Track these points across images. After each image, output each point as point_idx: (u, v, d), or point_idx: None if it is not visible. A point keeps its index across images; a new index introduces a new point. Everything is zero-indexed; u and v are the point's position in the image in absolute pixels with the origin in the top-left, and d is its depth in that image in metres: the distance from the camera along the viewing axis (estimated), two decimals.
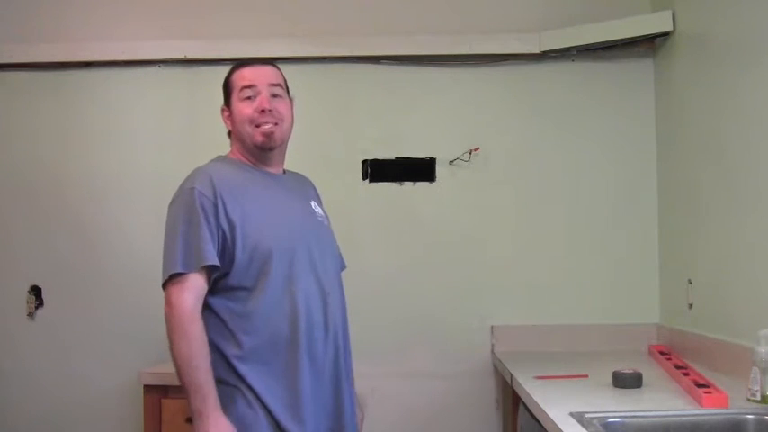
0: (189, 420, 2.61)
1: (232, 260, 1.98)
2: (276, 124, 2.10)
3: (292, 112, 2.18)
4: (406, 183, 3.17)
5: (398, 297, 3.13)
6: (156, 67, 3.20)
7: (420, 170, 3.16)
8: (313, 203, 2.23)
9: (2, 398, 3.17)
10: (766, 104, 2.20)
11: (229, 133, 2.19)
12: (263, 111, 2.08)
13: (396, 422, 3.08)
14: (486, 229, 3.15)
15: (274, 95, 2.11)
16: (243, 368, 1.96)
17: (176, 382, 2.53)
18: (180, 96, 3.21)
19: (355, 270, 3.05)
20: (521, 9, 3.16)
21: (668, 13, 2.89)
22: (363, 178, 3.17)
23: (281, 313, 1.99)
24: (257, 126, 2.08)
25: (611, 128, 3.14)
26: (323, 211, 2.26)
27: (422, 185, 3.17)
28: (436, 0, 3.19)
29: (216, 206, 1.97)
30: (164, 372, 2.70)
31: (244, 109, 2.10)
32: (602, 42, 3.04)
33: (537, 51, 3.09)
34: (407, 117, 3.18)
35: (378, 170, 3.17)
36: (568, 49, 3.08)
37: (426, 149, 3.17)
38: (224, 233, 1.97)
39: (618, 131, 3.13)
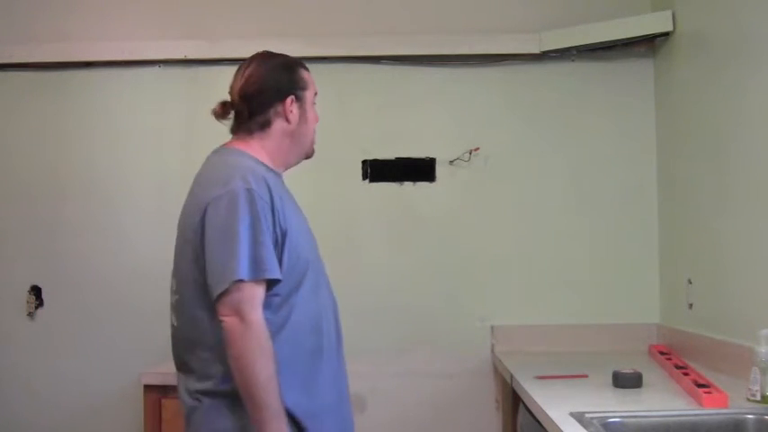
0: None
1: (282, 267, 1.84)
2: None
3: None
4: (406, 183, 3.17)
5: (399, 297, 3.12)
6: (157, 67, 3.20)
7: (420, 170, 3.16)
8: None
9: (1, 397, 3.17)
10: (766, 104, 2.20)
11: (262, 124, 1.96)
12: None
13: (395, 422, 3.07)
14: (485, 228, 3.14)
15: None
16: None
17: (176, 383, 2.53)
18: (180, 96, 3.20)
19: (355, 270, 3.06)
20: (521, 9, 3.16)
21: (668, 14, 2.89)
22: (363, 178, 3.17)
23: (308, 325, 1.89)
24: (313, 142, 2.04)
25: (611, 128, 3.14)
26: None
27: (422, 185, 3.17)
28: (436, 0, 3.19)
29: (273, 212, 1.82)
30: (164, 372, 2.70)
31: (313, 120, 2.04)
32: (603, 42, 3.04)
33: (537, 51, 3.09)
34: (407, 117, 3.18)
35: (378, 170, 3.17)
36: (568, 50, 3.08)
37: (426, 149, 3.16)
38: (277, 240, 1.83)
39: (618, 131, 3.13)
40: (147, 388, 2.70)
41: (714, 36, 2.57)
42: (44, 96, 3.22)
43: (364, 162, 3.17)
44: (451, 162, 3.15)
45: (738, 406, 1.91)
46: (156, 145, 3.20)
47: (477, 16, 3.17)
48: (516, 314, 3.12)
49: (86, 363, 3.15)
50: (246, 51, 3.12)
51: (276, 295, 1.83)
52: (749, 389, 1.96)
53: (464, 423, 3.10)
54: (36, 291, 3.19)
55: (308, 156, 2.06)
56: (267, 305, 1.81)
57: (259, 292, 1.77)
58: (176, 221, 2.01)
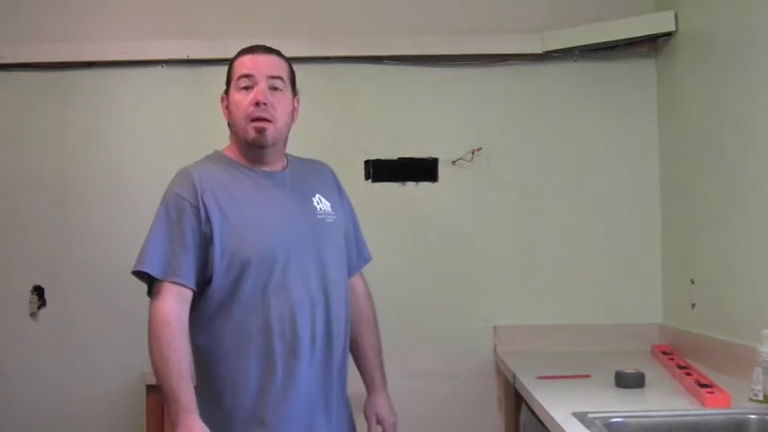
0: None
1: (213, 266, 1.89)
2: (270, 121, 1.95)
3: (294, 108, 2.06)
4: (408, 183, 3.17)
5: (401, 297, 3.12)
6: (159, 67, 3.20)
7: (422, 170, 3.16)
8: (317, 198, 2.05)
9: (5, 397, 3.17)
10: None
11: (229, 125, 2.05)
12: (257, 103, 1.93)
13: (398, 422, 3.07)
14: (488, 228, 3.14)
15: (274, 88, 1.97)
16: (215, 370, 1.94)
17: None
18: (182, 96, 3.21)
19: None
20: (523, 9, 3.16)
21: (671, 14, 2.89)
22: (366, 178, 3.17)
23: (251, 325, 1.90)
24: (251, 120, 1.94)
25: (613, 128, 3.14)
26: (332, 204, 2.08)
27: (424, 185, 3.17)
28: (439, 0, 3.19)
29: (198, 210, 1.89)
30: None
31: (241, 100, 1.96)
32: (605, 42, 3.04)
33: (540, 51, 3.09)
34: (410, 117, 3.18)
35: (380, 170, 3.17)
36: (571, 50, 3.08)
37: (429, 149, 3.16)
38: (206, 239, 1.89)
39: (620, 131, 3.13)
40: (150, 388, 2.70)
41: (717, 36, 2.56)
42: (47, 96, 3.23)
43: (367, 162, 3.17)
44: (454, 162, 3.15)
45: (741, 406, 1.91)
46: (158, 145, 3.20)
47: (479, 16, 3.17)
48: (519, 314, 3.12)
49: (89, 363, 3.15)
50: None
51: (213, 293, 1.91)
52: (752, 389, 1.96)
53: (466, 423, 3.10)
54: (39, 291, 3.19)
55: (249, 141, 1.97)
56: (203, 303, 1.92)
57: (167, 288, 1.88)
58: None
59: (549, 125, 3.15)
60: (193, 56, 3.15)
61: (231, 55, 3.07)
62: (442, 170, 3.16)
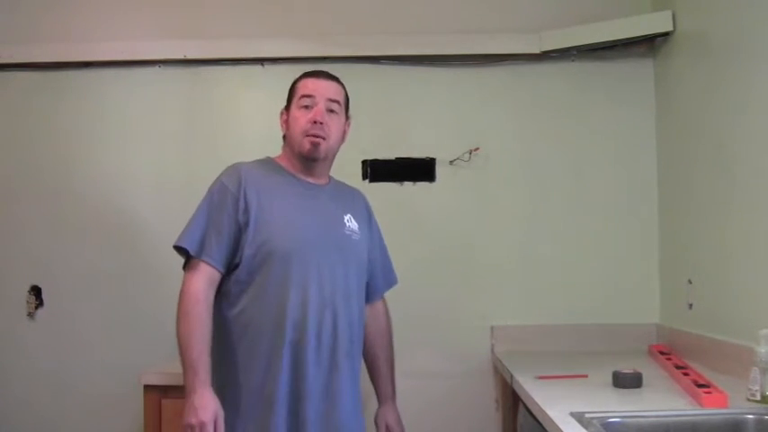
0: None
1: (242, 253, 2.09)
2: (324, 138, 2.18)
3: (345, 130, 2.28)
4: (406, 183, 3.17)
5: (398, 297, 3.10)
6: (156, 67, 3.20)
7: (420, 170, 3.16)
8: (348, 216, 2.26)
9: (2, 397, 3.17)
10: (767, 104, 2.20)
11: (284, 137, 2.26)
12: (315, 122, 2.16)
13: None
14: (486, 228, 3.14)
15: (330, 110, 2.20)
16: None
17: (176, 382, 2.52)
18: (180, 96, 3.21)
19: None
20: (521, 9, 3.16)
21: (668, 14, 2.89)
22: (363, 178, 3.17)
23: (267, 312, 2.08)
24: (307, 135, 2.17)
25: (611, 128, 3.14)
26: (360, 226, 2.29)
27: (422, 185, 3.17)
28: (436, 0, 3.19)
29: (237, 200, 2.10)
30: (164, 372, 2.70)
31: (300, 117, 2.19)
32: (602, 42, 3.04)
33: (537, 51, 3.09)
34: (407, 117, 3.18)
35: (378, 170, 3.17)
36: (568, 50, 3.08)
37: (426, 149, 3.17)
38: (239, 227, 2.09)
39: (618, 131, 3.13)
40: (147, 388, 2.70)
41: (714, 36, 2.57)
42: (44, 97, 3.22)
43: (364, 162, 3.17)
44: (452, 162, 3.15)
45: (738, 406, 1.91)
46: (155, 145, 3.20)
47: (477, 16, 3.17)
48: (516, 314, 3.12)
49: (86, 363, 3.15)
50: (247, 51, 3.16)
51: (238, 277, 2.10)
52: (749, 389, 1.96)
53: (464, 423, 3.10)
54: (36, 291, 3.19)
55: (303, 153, 2.20)
56: (226, 289, 2.12)
57: (201, 266, 2.07)
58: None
59: (547, 125, 3.15)
60: (191, 56, 3.15)
61: (229, 55, 3.14)
62: (440, 170, 3.16)
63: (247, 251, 2.09)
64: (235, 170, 2.17)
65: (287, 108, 2.26)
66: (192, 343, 2.00)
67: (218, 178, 2.17)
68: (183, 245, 2.09)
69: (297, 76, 2.30)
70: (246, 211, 2.10)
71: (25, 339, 3.18)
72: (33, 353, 3.18)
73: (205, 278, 2.07)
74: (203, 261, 2.07)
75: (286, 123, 2.25)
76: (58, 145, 3.21)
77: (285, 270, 2.09)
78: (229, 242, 2.09)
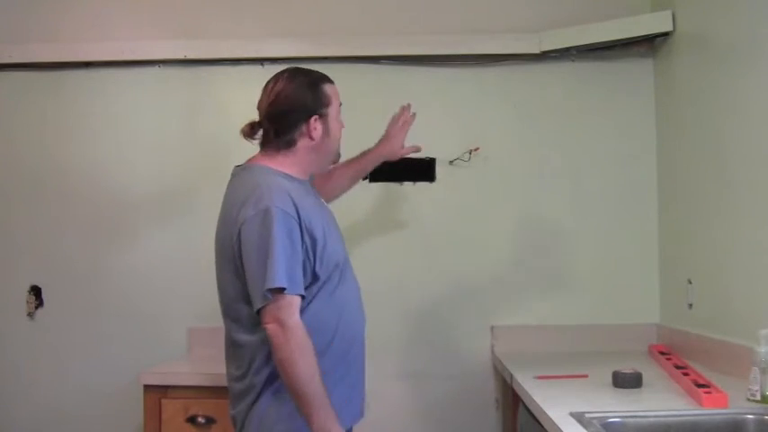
0: (189, 420, 2.62)
1: (314, 275, 2.04)
2: None
3: None
4: (406, 183, 3.17)
5: (398, 297, 3.12)
6: (156, 67, 3.20)
7: (420, 170, 3.16)
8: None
9: (2, 397, 3.17)
10: (766, 104, 2.20)
11: (288, 143, 2.11)
12: None
13: (395, 422, 3.07)
14: (485, 229, 3.14)
15: None
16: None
17: (176, 382, 2.53)
18: (180, 96, 3.21)
19: (354, 270, 3.05)
20: (521, 9, 3.16)
21: (668, 14, 2.89)
22: (363, 178, 3.16)
23: (325, 321, 2.07)
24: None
25: (610, 128, 3.14)
26: None
27: (422, 185, 3.17)
28: (436, 0, 3.19)
29: (301, 227, 1.99)
30: (164, 372, 2.71)
31: (340, 128, 2.20)
32: (602, 42, 3.04)
33: (537, 51, 3.09)
34: None
35: (378, 170, 3.15)
36: (568, 50, 3.08)
37: (426, 149, 3.14)
38: (307, 252, 2.01)
39: (618, 131, 3.13)
40: (147, 388, 2.70)
41: (714, 36, 2.57)
42: (43, 97, 3.22)
43: None
44: (451, 162, 3.15)
45: (738, 406, 1.91)
46: (155, 145, 3.20)
47: (476, 16, 3.17)
48: (516, 314, 3.12)
49: (86, 363, 3.15)
50: (246, 51, 3.16)
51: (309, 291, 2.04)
52: (749, 389, 1.96)
53: (464, 423, 3.10)
54: (36, 291, 3.19)
55: (334, 162, 2.28)
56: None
57: (296, 300, 1.96)
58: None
59: (547, 125, 3.15)
60: (191, 56, 3.15)
61: (229, 55, 3.13)
62: (440, 170, 3.16)
63: (317, 267, 2.03)
64: (284, 194, 2.00)
65: (320, 116, 2.12)
66: (317, 380, 1.91)
67: (269, 206, 1.96)
68: (279, 285, 1.92)
69: None
70: (310, 233, 2.01)
71: (25, 339, 3.18)
72: (33, 352, 3.18)
73: (299, 309, 1.97)
74: (297, 295, 1.97)
75: (318, 131, 2.11)
76: (58, 145, 3.21)
77: (341, 276, 2.12)
78: (303, 267, 2.00)
